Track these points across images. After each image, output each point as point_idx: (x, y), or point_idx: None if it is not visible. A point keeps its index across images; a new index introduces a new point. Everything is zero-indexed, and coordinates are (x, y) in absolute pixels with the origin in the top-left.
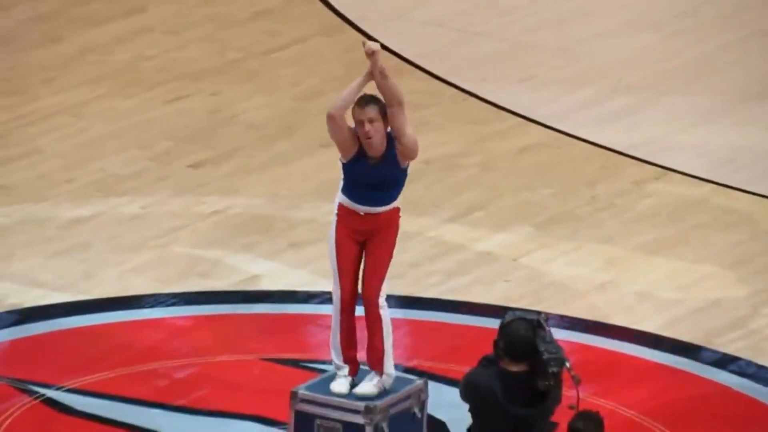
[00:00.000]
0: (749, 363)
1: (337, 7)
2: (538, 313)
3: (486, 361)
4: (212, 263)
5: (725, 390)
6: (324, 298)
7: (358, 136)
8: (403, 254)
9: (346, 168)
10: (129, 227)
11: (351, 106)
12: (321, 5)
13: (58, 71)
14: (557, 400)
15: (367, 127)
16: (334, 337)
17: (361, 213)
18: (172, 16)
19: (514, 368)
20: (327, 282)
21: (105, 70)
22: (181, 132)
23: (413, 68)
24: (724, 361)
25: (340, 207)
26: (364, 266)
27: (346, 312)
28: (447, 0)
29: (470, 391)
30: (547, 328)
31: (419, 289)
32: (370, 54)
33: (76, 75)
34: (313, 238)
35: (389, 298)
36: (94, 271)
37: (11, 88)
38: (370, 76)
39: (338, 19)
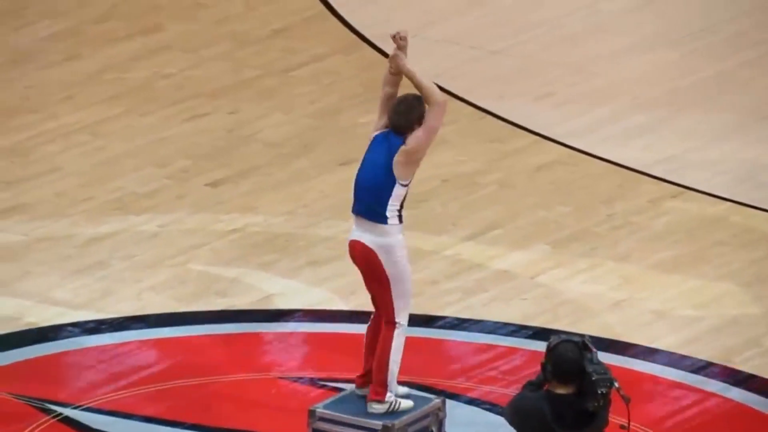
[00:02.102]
0: (766, 381)
1: (354, 25)
2: (581, 335)
3: (531, 386)
4: (230, 282)
5: (743, 408)
6: (341, 316)
7: None
8: (420, 272)
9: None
10: (147, 245)
11: None
12: (338, 23)
13: (76, 89)
14: (605, 421)
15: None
16: (396, 365)
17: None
18: (189, 34)
19: (562, 390)
20: (344, 301)
21: (123, 88)
22: (198, 150)
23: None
24: (740, 379)
25: (403, 238)
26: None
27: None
28: (463, 18)
29: (520, 416)
30: (593, 350)
31: (436, 307)
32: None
33: (95, 93)
34: (331, 257)
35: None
36: (112, 290)
37: (30, 106)
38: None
39: (355, 37)
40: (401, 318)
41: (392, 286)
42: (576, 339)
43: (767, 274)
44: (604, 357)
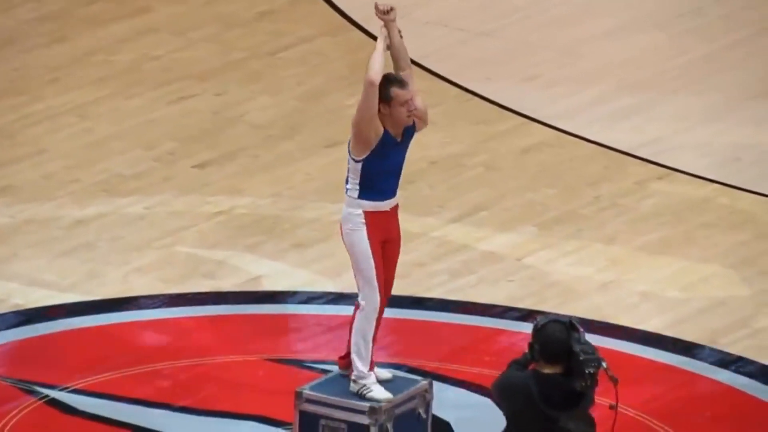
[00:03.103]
0: (753, 363)
1: (341, 7)
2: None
3: (516, 365)
4: (217, 264)
5: (729, 390)
6: (328, 298)
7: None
8: (407, 254)
9: (373, 159)
10: (133, 228)
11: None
12: (325, 6)
13: (63, 71)
14: (591, 400)
15: (411, 104)
16: (366, 347)
17: (388, 209)
18: (177, 16)
19: (549, 370)
20: (331, 282)
21: (110, 71)
22: (185, 132)
23: (417, 68)
24: (728, 361)
25: (366, 214)
26: (388, 264)
27: (379, 320)
28: (450, 0)
29: (506, 393)
30: (580, 330)
31: (423, 289)
32: (388, 12)
33: (81, 75)
34: (317, 239)
35: (394, 298)
36: (99, 272)
37: (16, 89)
38: (387, 39)
39: (343, 20)
40: (363, 298)
41: (351, 261)
42: (563, 319)
43: (754, 256)
44: (592, 338)
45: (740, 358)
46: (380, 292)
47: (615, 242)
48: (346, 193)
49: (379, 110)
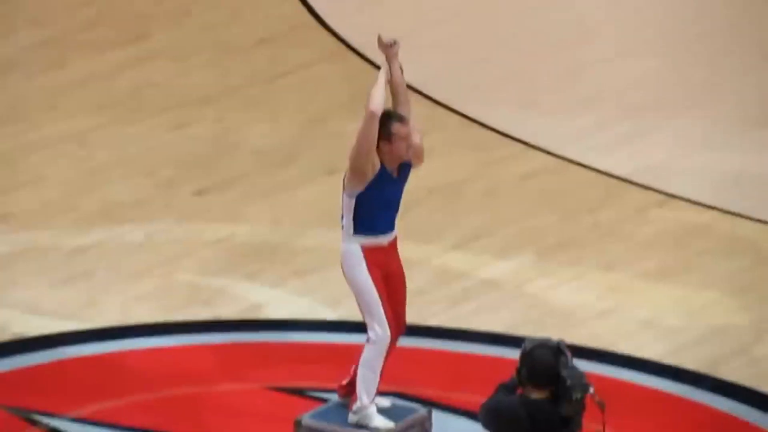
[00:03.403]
0: (754, 391)
1: (340, 33)
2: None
3: (504, 389)
4: (216, 291)
5: (729, 418)
6: (328, 326)
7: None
8: (407, 282)
9: (368, 194)
10: (133, 255)
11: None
12: (324, 32)
13: (62, 98)
14: (579, 425)
15: (410, 139)
16: (374, 380)
17: (386, 244)
18: (176, 42)
19: (537, 395)
20: (330, 310)
21: (109, 97)
22: (185, 159)
23: (416, 94)
24: (728, 389)
25: (364, 250)
26: (396, 297)
27: (389, 354)
28: (449, 26)
29: (494, 417)
30: (568, 354)
31: (423, 317)
32: (391, 45)
33: (80, 102)
34: (316, 266)
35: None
36: (98, 300)
37: (16, 115)
38: (388, 72)
39: (341, 46)
40: (371, 331)
41: (356, 298)
42: (551, 343)
43: (754, 283)
44: (591, 366)
45: (739, 386)
46: (390, 326)
47: (614, 269)
48: (342, 229)
49: (378, 146)
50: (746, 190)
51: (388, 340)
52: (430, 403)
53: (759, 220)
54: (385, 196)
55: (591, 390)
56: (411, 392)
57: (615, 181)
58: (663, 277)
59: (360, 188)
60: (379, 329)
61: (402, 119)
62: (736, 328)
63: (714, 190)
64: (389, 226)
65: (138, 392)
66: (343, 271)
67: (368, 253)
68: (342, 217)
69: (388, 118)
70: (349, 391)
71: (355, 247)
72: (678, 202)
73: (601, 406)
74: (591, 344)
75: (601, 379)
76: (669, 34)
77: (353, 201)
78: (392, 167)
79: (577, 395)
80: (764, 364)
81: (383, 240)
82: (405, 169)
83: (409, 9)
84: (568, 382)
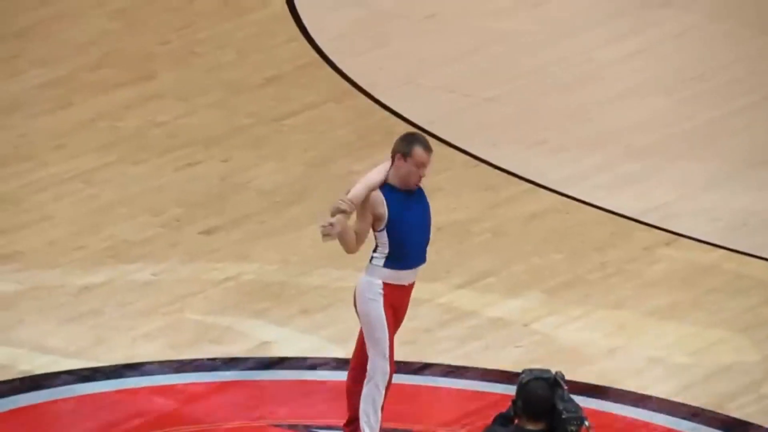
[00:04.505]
0: (762, 428)
1: (347, 73)
2: (553, 371)
3: (502, 419)
4: (224, 330)
5: None
6: (335, 364)
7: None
8: (414, 320)
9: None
10: (140, 294)
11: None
12: (331, 71)
13: (68, 137)
14: None
15: (423, 171)
16: (376, 416)
17: (406, 284)
18: (182, 82)
19: (532, 427)
20: (338, 348)
21: (116, 137)
22: (192, 198)
23: (424, 134)
24: (736, 426)
25: (385, 286)
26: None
27: (388, 389)
28: (456, 65)
29: None
30: (565, 387)
31: (430, 355)
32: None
33: (87, 141)
34: (323, 305)
35: (399, 363)
36: (106, 338)
37: (22, 155)
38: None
39: (348, 85)
40: (372, 368)
41: (364, 330)
42: (547, 375)
43: (761, 321)
44: (599, 404)
45: (747, 423)
46: (390, 362)
47: (622, 308)
48: (371, 261)
49: (393, 161)
50: (753, 228)
51: (387, 375)
52: None
53: (766, 259)
54: (407, 215)
55: (587, 423)
56: (418, 429)
57: (622, 220)
58: (671, 315)
59: (383, 224)
60: (381, 364)
61: (427, 147)
62: (744, 366)
63: (721, 229)
64: (419, 257)
65: (146, 430)
66: (355, 301)
67: (388, 290)
68: (375, 249)
69: (415, 139)
70: (354, 429)
71: (377, 281)
72: (685, 241)
73: None
74: (599, 382)
75: (609, 417)
76: (675, 72)
77: (384, 233)
78: (399, 185)
79: (572, 428)
80: None
81: (406, 277)
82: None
83: (416, 48)
84: (564, 414)
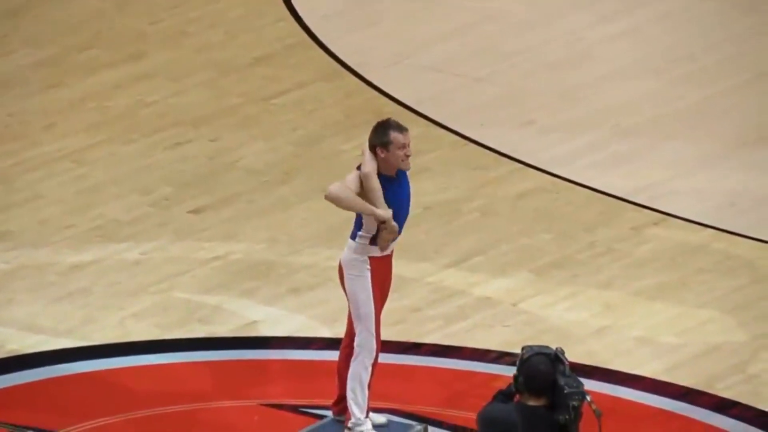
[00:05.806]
0: (750, 408)
1: (336, 53)
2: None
3: (502, 396)
4: (212, 309)
5: None
6: (324, 343)
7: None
8: (402, 300)
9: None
10: (129, 273)
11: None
12: (320, 51)
13: (58, 117)
14: None
15: (408, 149)
16: (363, 393)
17: (389, 252)
18: (171, 62)
19: (534, 402)
20: (326, 327)
21: (105, 116)
22: (181, 177)
23: (413, 114)
24: (724, 406)
25: (372, 261)
26: (379, 312)
27: (375, 366)
28: (446, 46)
29: (491, 425)
30: (565, 362)
31: (419, 335)
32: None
33: (77, 121)
34: (313, 284)
35: (388, 343)
36: (95, 317)
37: (12, 134)
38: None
39: (338, 65)
40: (359, 344)
41: (351, 307)
42: (548, 351)
43: (750, 301)
44: (587, 383)
45: (735, 403)
46: (377, 338)
47: (610, 287)
48: (356, 239)
49: (375, 153)
50: (742, 208)
51: (374, 351)
52: (426, 420)
53: (755, 239)
54: (389, 200)
55: (588, 398)
56: (407, 409)
57: (611, 200)
58: (659, 295)
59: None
60: (367, 340)
61: (400, 128)
62: (732, 346)
63: (710, 209)
64: (399, 231)
65: (134, 409)
66: (342, 278)
67: (375, 264)
68: (359, 227)
69: (386, 126)
70: (342, 408)
71: (363, 257)
72: (674, 221)
73: (598, 414)
74: (587, 362)
75: (597, 397)
76: (664, 53)
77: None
78: (389, 173)
79: (573, 403)
80: (759, 381)
81: (389, 248)
82: (401, 172)
83: (405, 29)
84: (566, 389)
